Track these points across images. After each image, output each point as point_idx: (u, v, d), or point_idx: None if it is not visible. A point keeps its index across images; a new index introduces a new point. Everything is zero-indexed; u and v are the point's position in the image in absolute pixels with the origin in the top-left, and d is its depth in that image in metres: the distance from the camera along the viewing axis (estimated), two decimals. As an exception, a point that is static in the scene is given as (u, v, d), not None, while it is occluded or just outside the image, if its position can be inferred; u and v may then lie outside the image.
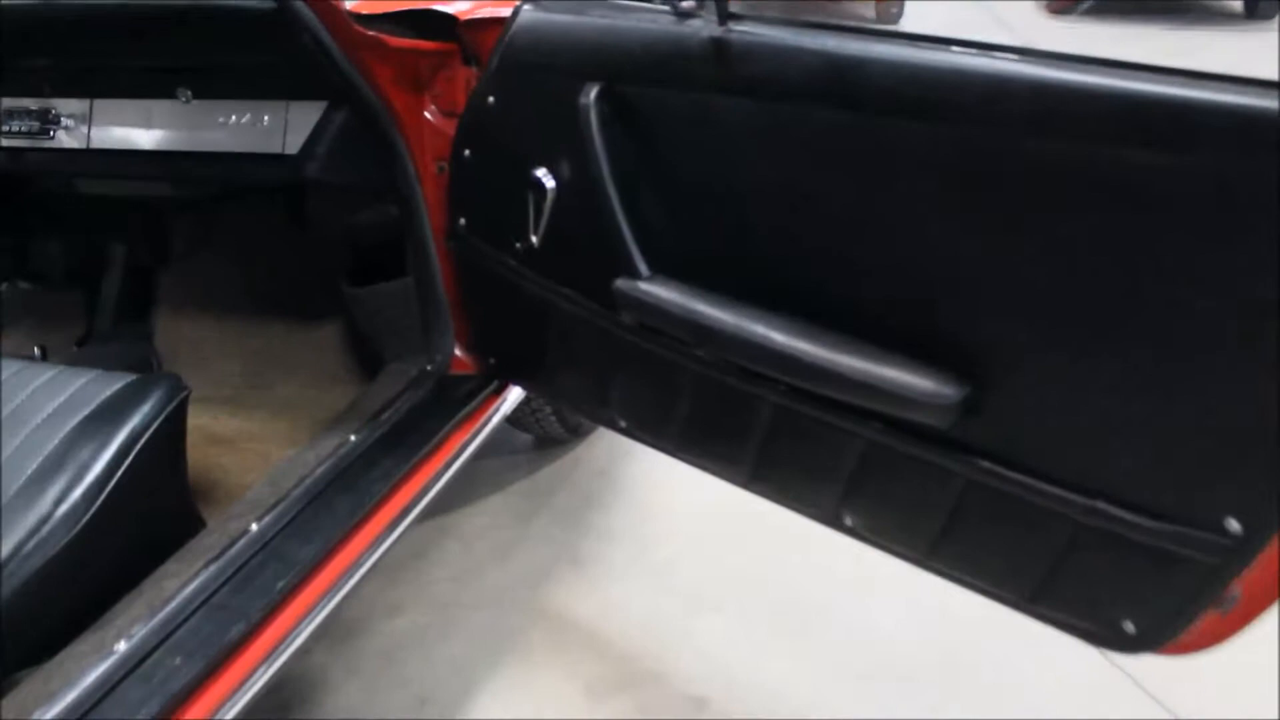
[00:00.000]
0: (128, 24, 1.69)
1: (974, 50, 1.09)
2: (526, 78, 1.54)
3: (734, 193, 1.32)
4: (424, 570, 2.28)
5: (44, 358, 2.43)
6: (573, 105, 1.40)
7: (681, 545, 2.33)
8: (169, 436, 1.57)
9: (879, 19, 7.85)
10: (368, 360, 2.25)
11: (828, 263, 1.26)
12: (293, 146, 1.76)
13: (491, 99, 1.59)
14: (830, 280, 1.26)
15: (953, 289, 1.15)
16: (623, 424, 1.67)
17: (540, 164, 1.52)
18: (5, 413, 1.58)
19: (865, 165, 1.18)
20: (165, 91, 1.83)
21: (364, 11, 1.62)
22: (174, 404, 1.57)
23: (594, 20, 1.44)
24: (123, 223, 2.51)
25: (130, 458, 1.48)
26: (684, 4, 1.31)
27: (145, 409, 1.53)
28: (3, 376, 1.66)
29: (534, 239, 1.57)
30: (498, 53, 1.56)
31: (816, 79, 1.19)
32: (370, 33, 1.60)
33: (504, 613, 2.16)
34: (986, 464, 1.17)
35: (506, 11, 1.57)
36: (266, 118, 1.78)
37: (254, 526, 1.53)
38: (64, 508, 1.40)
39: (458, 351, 1.93)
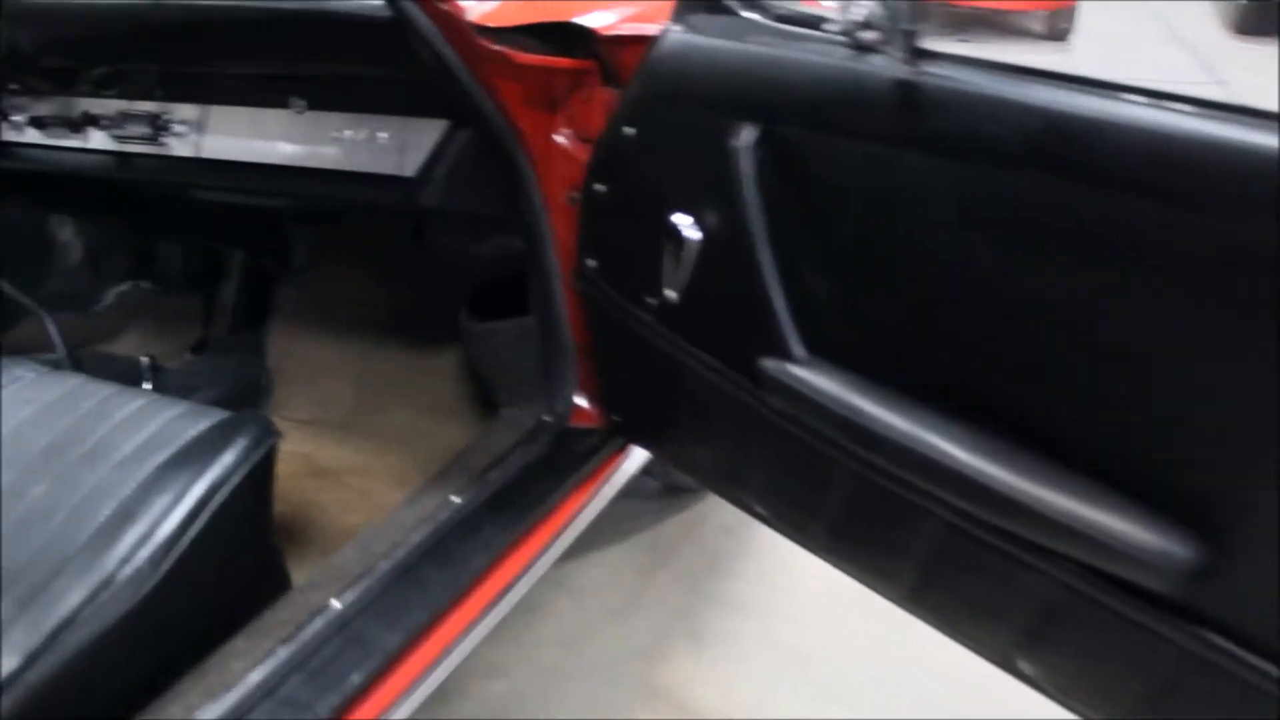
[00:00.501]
0: (240, 29, 1.53)
1: (1253, 122, 0.82)
2: (671, 110, 1.32)
3: (915, 269, 1.08)
4: (532, 627, 2.09)
5: (153, 367, 2.33)
6: (724, 147, 1.17)
7: (813, 626, 2.08)
8: (254, 489, 1.40)
9: (1048, 33, 7.41)
10: (485, 396, 2.07)
11: (1031, 367, 1.00)
12: (410, 168, 1.58)
13: (630, 130, 1.37)
14: (1032, 389, 1.00)
15: (1202, 421, 0.88)
16: (760, 510, 1.45)
17: (682, 210, 1.30)
18: (85, 448, 1.44)
19: (1092, 254, 0.92)
20: (279, 100, 1.67)
21: (491, 24, 1.42)
22: (261, 452, 1.40)
23: (753, 49, 1.21)
24: (243, 229, 2.39)
25: (208, 513, 1.31)
26: (865, 35, 1.07)
27: (229, 458, 1.37)
28: (90, 404, 1.53)
29: (670, 294, 1.35)
30: (639, 78, 1.34)
31: (1032, 142, 0.94)
32: (496, 47, 1.40)
33: (612, 686, 1.95)
34: (1214, 637, 0.91)
35: (652, 29, 1.35)
36: (383, 135, 1.60)
37: (334, 602, 1.35)
38: (129, 569, 1.24)
39: (579, 401, 1.73)
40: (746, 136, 1.15)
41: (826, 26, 1.12)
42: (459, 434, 2.10)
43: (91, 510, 1.32)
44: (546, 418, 1.72)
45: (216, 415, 1.48)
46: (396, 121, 1.59)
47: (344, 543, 1.84)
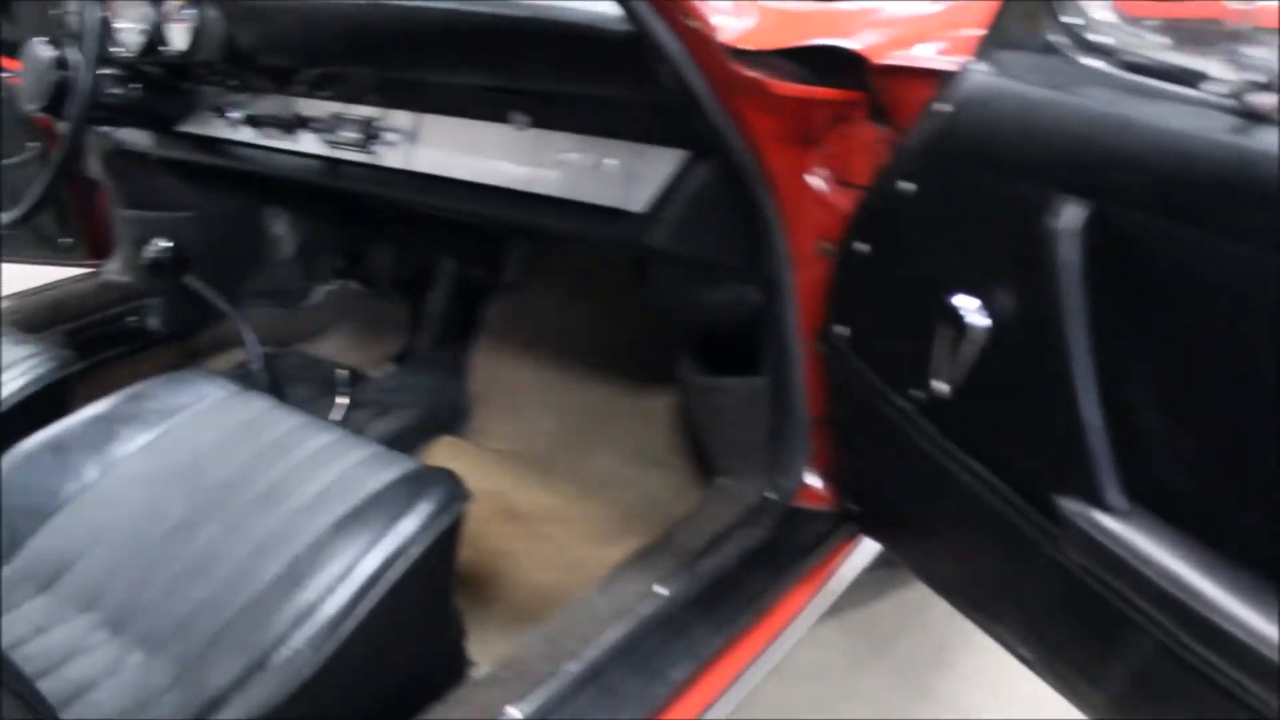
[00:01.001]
0: (463, 36, 1.35)
1: None
2: (965, 168, 1.05)
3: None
4: (728, 710, 1.86)
5: (352, 380, 2.21)
6: (1037, 225, 0.91)
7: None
8: (436, 561, 1.23)
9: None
10: (698, 454, 1.86)
11: None
12: (638, 201, 1.37)
13: (907, 185, 1.12)
14: None
15: None
16: (1023, 654, 1.18)
17: (967, 290, 1.04)
18: (262, 487, 1.30)
19: None
20: (498, 114, 1.48)
21: (746, 46, 1.19)
22: (448, 519, 1.23)
23: (1090, 106, 0.92)
24: (456, 239, 2.24)
25: (381, 589, 1.14)
26: (1262, 101, 0.78)
27: (411, 523, 1.19)
28: (274, 436, 1.39)
29: (941, 387, 1.09)
30: (927, 124, 1.08)
31: None
32: (751, 74, 1.17)
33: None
34: None
35: (944, 63, 1.09)
36: (611, 161, 1.39)
37: (512, 712, 1.16)
38: (285, 651, 1.09)
39: (810, 479, 1.49)
40: (1072, 217, 0.88)
41: (1205, 85, 0.83)
42: (665, 488, 1.89)
43: (258, 567, 1.18)
44: (770, 495, 1.49)
45: (404, 465, 1.31)
46: (626, 148, 1.38)
47: (533, 602, 1.67)
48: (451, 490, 1.25)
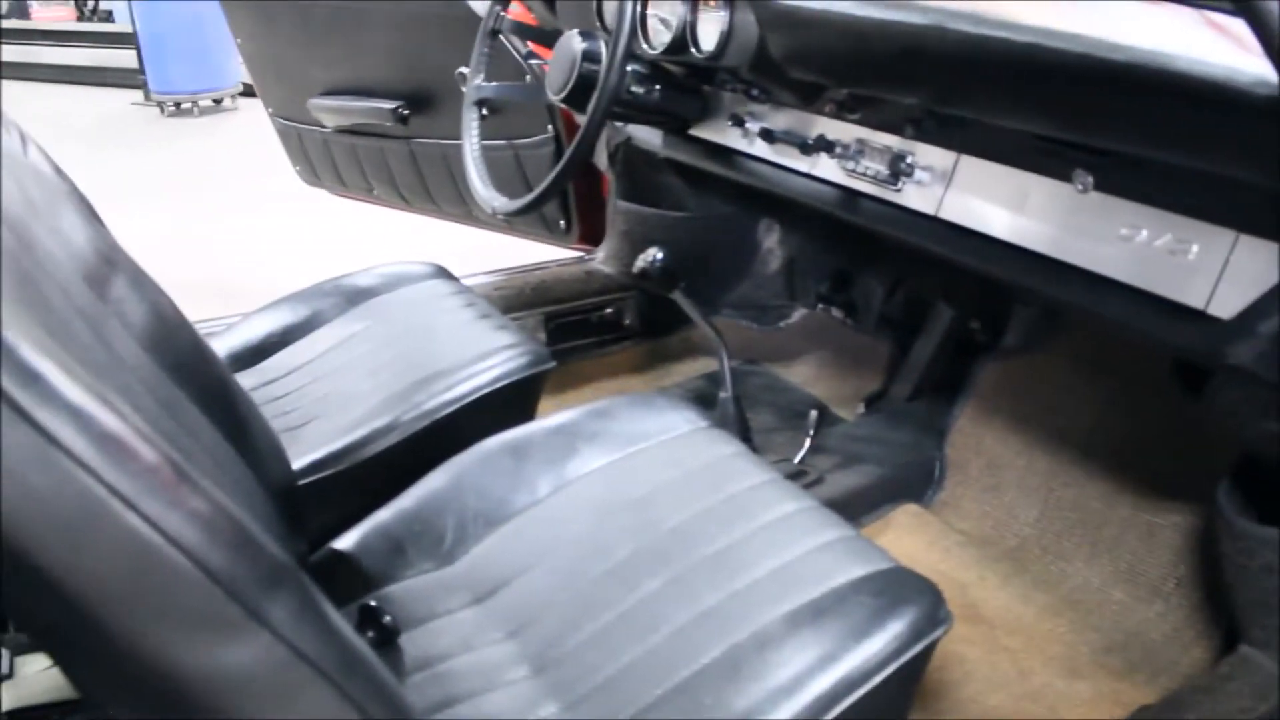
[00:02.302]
0: (1042, 76, 1.13)
1: None
2: None
3: None
4: None
5: (820, 420, 2.06)
6: None
7: None
8: (898, 688, 1.04)
9: None
10: (1219, 604, 1.52)
11: None
12: (1225, 304, 1.08)
13: None
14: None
15: None
16: None
17: None
18: (717, 548, 1.18)
19: None
20: (1056, 169, 1.25)
21: None
22: (922, 645, 1.03)
23: None
24: (958, 285, 2.02)
25: (832, 715, 0.97)
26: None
27: (877, 644, 1.01)
28: (733, 493, 1.26)
29: None
30: None
31: None
32: None
33: None
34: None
35: None
36: (1195, 247, 1.12)
37: None
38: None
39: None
40: None
41: None
42: (1158, 626, 1.58)
43: (693, 644, 1.05)
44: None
45: (878, 561, 1.13)
46: (1216, 234, 1.09)
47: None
48: (932, 610, 1.05)
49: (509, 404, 1.52)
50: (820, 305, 2.37)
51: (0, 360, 0.49)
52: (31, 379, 0.50)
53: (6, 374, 0.49)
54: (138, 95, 7.28)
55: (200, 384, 1.01)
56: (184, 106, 7.03)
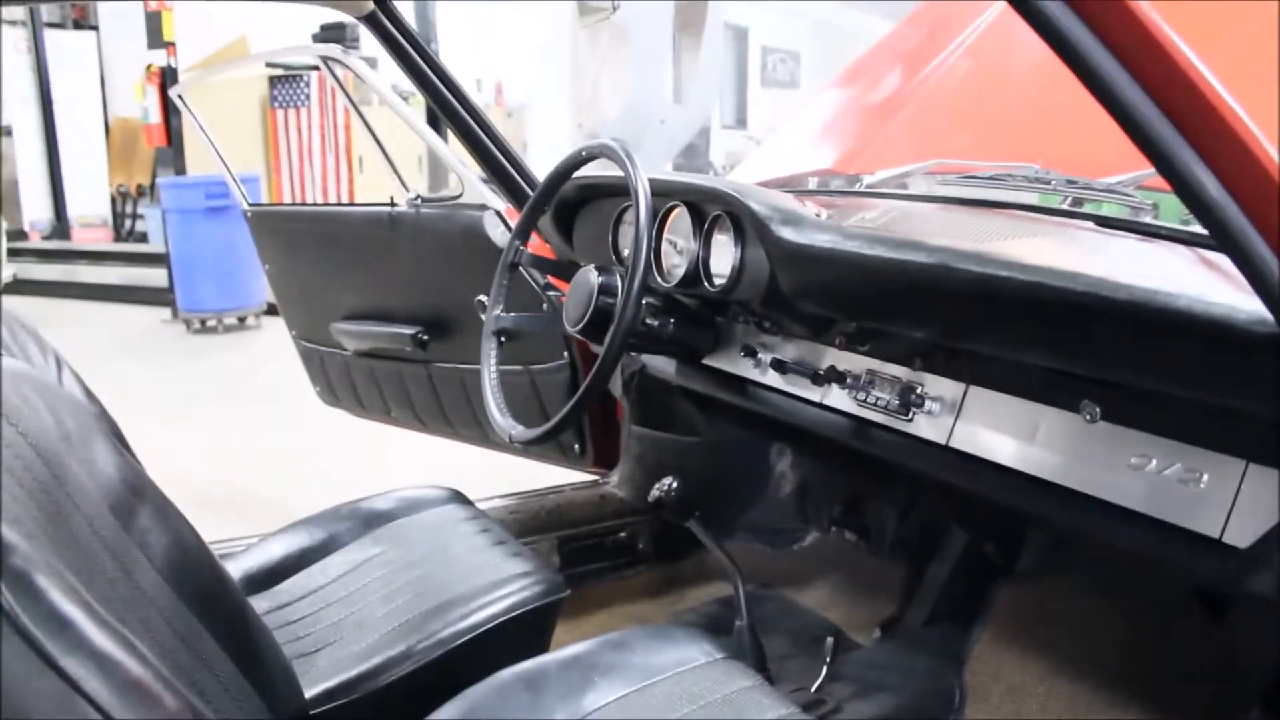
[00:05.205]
0: (1050, 315, 1.17)
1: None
2: None
3: None
4: None
5: (836, 647, 2.03)
6: None
7: None
8: None
9: None
10: None
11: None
12: (1241, 533, 1.08)
13: None
14: None
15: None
16: None
17: None
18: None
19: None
20: (1063, 399, 1.27)
21: None
22: None
23: None
24: (969, 509, 2.02)
25: None
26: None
27: None
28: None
29: None
30: None
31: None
32: None
33: None
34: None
35: None
36: (1206, 477, 1.12)
37: None
38: None
39: None
40: None
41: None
42: None
43: None
44: None
45: None
46: (1229, 464, 1.11)
47: None
48: None
49: (523, 632, 1.51)
50: (834, 528, 2.36)
51: (30, 606, 0.50)
52: (61, 626, 0.51)
53: (37, 621, 0.50)
54: (166, 312, 7.50)
55: (217, 614, 1.01)
56: (209, 324, 7.22)
